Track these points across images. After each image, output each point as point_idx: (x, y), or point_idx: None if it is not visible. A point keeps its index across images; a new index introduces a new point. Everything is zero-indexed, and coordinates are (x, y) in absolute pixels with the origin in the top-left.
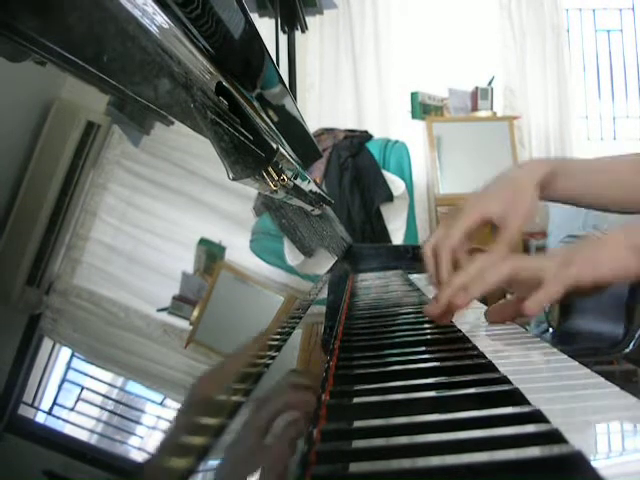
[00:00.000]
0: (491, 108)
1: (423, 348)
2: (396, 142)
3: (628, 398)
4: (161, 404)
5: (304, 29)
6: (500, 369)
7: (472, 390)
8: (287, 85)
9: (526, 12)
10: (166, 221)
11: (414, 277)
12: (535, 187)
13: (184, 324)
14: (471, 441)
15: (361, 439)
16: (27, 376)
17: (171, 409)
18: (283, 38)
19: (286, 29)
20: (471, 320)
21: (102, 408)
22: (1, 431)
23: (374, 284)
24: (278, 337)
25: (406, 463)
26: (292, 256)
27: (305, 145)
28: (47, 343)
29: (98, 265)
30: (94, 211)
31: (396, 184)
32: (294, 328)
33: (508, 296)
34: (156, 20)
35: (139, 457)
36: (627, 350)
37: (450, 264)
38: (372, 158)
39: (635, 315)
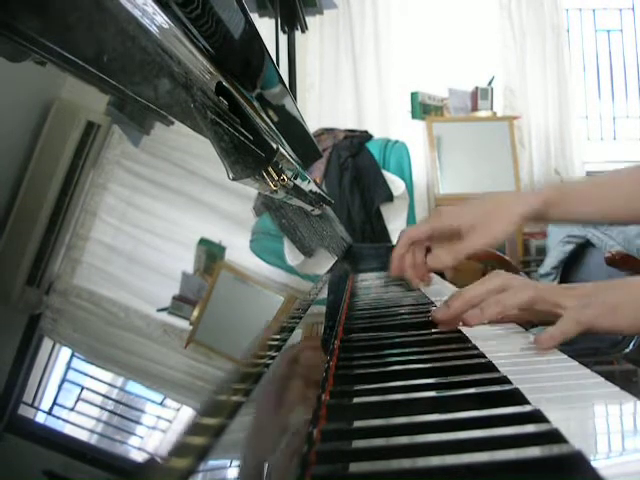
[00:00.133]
0: (491, 108)
1: (423, 348)
2: (396, 142)
3: (628, 398)
4: (161, 404)
5: (304, 29)
6: (500, 369)
7: (472, 390)
8: (287, 85)
9: (526, 12)
10: (166, 221)
11: None
12: (520, 218)
13: (184, 324)
14: (471, 441)
15: (361, 439)
16: (27, 376)
17: (171, 409)
18: (283, 38)
19: (286, 29)
20: None
21: (102, 408)
22: (1, 431)
23: (374, 284)
24: (278, 337)
25: (406, 463)
26: (292, 256)
27: (305, 145)
28: (47, 343)
29: (98, 265)
30: (94, 211)
31: (396, 184)
32: (294, 328)
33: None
34: (156, 20)
35: (139, 457)
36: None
37: (405, 249)
38: (372, 158)
39: None
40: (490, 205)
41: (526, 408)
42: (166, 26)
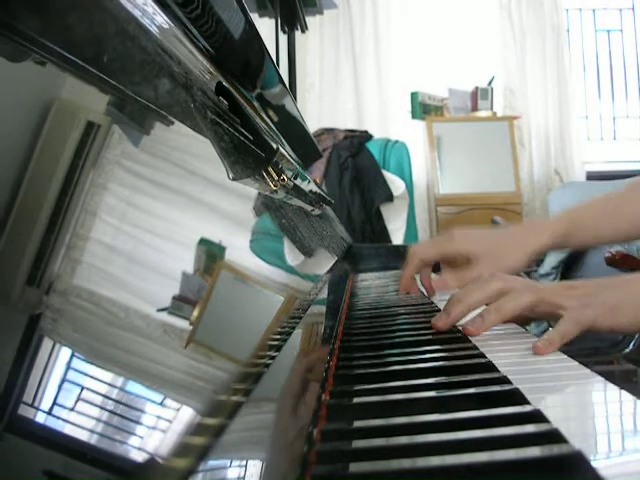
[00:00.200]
0: (491, 108)
1: (423, 348)
2: (396, 142)
3: (628, 398)
4: (161, 404)
5: (304, 29)
6: (500, 369)
7: (472, 390)
8: (287, 85)
9: (526, 12)
10: (166, 221)
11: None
12: (532, 254)
13: (184, 324)
14: (471, 441)
15: (361, 439)
16: (27, 376)
17: (171, 409)
18: (283, 38)
19: (286, 29)
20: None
21: (102, 408)
22: (1, 431)
23: (374, 284)
24: (278, 337)
25: (406, 463)
26: (292, 256)
27: (305, 145)
28: (47, 343)
29: (98, 265)
30: (94, 211)
31: (396, 184)
32: (294, 328)
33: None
34: (156, 20)
35: (139, 457)
36: (627, 350)
37: (415, 270)
38: (372, 158)
39: None
40: (503, 237)
41: (526, 408)
42: (166, 26)
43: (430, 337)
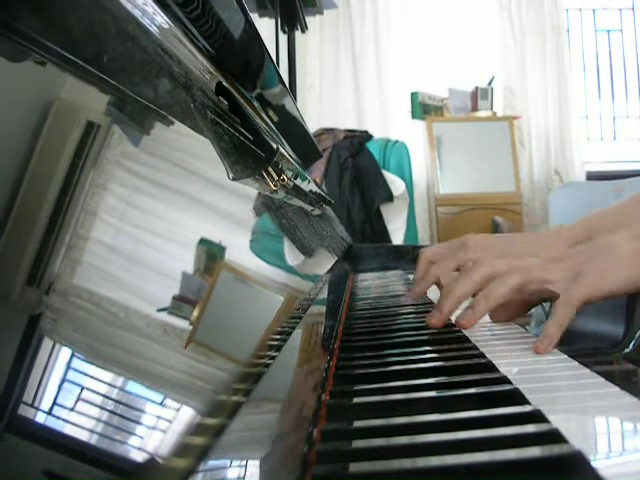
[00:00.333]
0: (491, 108)
1: (423, 348)
2: (396, 142)
3: (628, 398)
4: (161, 404)
5: (304, 29)
6: (500, 369)
7: (472, 390)
8: (287, 85)
9: (526, 12)
10: (166, 221)
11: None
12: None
13: (184, 324)
14: (471, 441)
15: (361, 439)
16: (27, 376)
17: (171, 409)
18: (283, 38)
19: (286, 29)
20: None
21: (102, 408)
22: (1, 431)
23: (374, 284)
24: (278, 337)
25: (406, 463)
26: (292, 256)
27: (305, 145)
28: (47, 343)
29: (98, 265)
30: (94, 211)
31: (396, 184)
32: (294, 328)
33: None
34: (156, 20)
35: (139, 457)
36: (627, 350)
37: (429, 286)
38: (372, 158)
39: (635, 315)
40: (519, 246)
41: (526, 408)
42: (166, 26)
43: (430, 337)
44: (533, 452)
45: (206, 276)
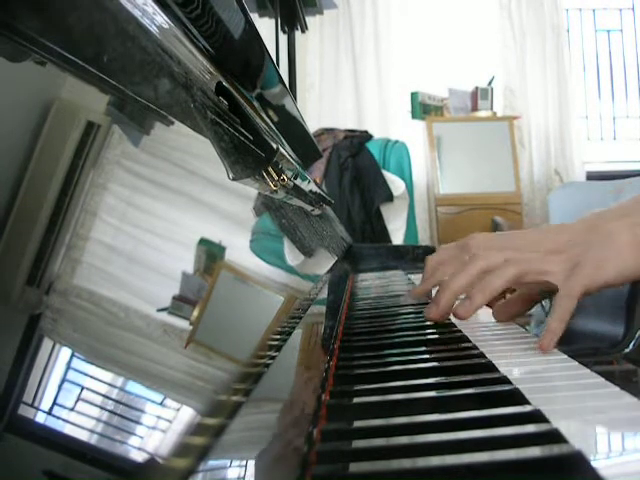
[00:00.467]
0: (491, 108)
1: (423, 348)
2: (396, 142)
3: (628, 398)
4: (161, 404)
5: (304, 29)
6: (500, 369)
7: (472, 390)
8: (287, 85)
9: (526, 12)
10: (166, 221)
11: (414, 277)
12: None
13: (184, 324)
14: (471, 441)
15: (361, 439)
16: (27, 376)
17: (171, 409)
18: (283, 38)
19: (286, 29)
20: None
21: (102, 408)
22: (1, 431)
23: (374, 284)
24: (278, 337)
25: (406, 463)
26: (292, 256)
27: (305, 145)
28: (47, 343)
29: (98, 265)
30: (94, 211)
31: (396, 184)
32: (294, 328)
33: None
34: (156, 20)
35: (139, 457)
36: (627, 350)
37: (432, 288)
38: (372, 158)
39: (635, 315)
40: (520, 242)
41: (526, 408)
42: (166, 26)
43: (430, 337)
44: (533, 452)
45: (206, 276)
